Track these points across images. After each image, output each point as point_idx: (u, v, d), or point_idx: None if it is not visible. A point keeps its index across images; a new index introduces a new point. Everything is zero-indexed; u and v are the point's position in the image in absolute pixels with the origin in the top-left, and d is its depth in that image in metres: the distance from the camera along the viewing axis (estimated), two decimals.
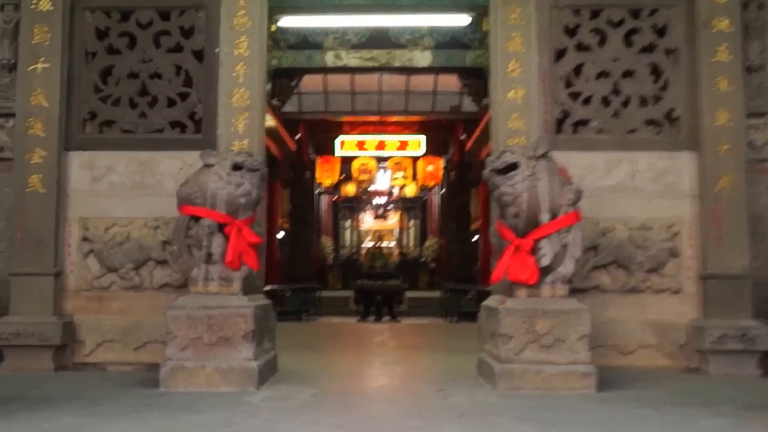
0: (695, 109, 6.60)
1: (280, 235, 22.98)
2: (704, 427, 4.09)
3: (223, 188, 5.49)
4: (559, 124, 6.70)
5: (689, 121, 6.64)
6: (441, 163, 25.86)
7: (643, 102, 6.76)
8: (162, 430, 4.00)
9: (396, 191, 28.64)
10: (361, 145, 24.29)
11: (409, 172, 25.43)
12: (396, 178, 25.55)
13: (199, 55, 6.70)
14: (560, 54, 6.75)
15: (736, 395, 5.15)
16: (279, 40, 14.17)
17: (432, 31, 14.53)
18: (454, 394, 5.20)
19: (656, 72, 6.76)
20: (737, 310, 6.27)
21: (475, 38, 14.60)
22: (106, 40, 6.74)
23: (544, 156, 5.59)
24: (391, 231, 30.76)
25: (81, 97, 6.67)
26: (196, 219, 5.57)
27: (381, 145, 24.36)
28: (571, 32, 6.73)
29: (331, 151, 24.64)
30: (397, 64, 14.72)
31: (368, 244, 28.61)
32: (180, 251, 5.56)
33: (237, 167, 5.54)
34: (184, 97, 6.68)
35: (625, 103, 6.74)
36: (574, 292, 5.68)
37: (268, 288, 16.07)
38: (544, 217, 5.48)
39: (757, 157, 6.64)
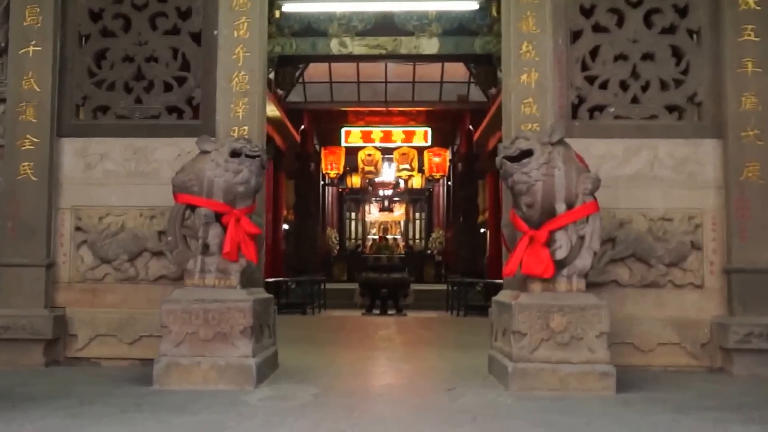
0: (719, 93, 6.27)
1: (285, 226, 22.81)
2: None
3: (221, 176, 5.20)
4: (575, 109, 6.37)
5: (713, 106, 6.31)
6: (447, 154, 25.64)
7: (664, 86, 6.41)
8: None
9: (402, 183, 28.43)
10: (366, 136, 24.12)
11: (415, 164, 25.16)
12: (402, 170, 25.29)
13: (197, 38, 6.40)
14: (576, 35, 6.41)
15: (766, 398, 4.85)
16: (282, 26, 13.90)
17: (439, 17, 14.22)
18: (464, 395, 4.90)
19: (677, 54, 6.41)
20: (764, 306, 5.93)
21: (484, 24, 14.30)
22: (100, 23, 6.43)
23: (560, 142, 5.28)
24: (397, 223, 30.60)
25: (74, 82, 6.37)
26: (193, 208, 5.29)
27: (387, 136, 24.20)
28: (587, 12, 6.39)
29: (337, 142, 24.44)
30: (403, 51, 14.42)
31: (374, 236, 28.44)
32: (175, 242, 5.27)
33: (235, 154, 5.25)
34: (181, 81, 6.38)
35: (645, 88, 6.39)
36: (590, 286, 5.36)
37: (271, 280, 15.93)
38: (560, 207, 5.18)
39: None
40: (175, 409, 4.24)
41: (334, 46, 14.27)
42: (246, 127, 6.10)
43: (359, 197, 30.28)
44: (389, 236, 27.83)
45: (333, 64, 21.07)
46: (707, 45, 6.36)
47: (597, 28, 6.41)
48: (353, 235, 30.25)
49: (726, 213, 6.16)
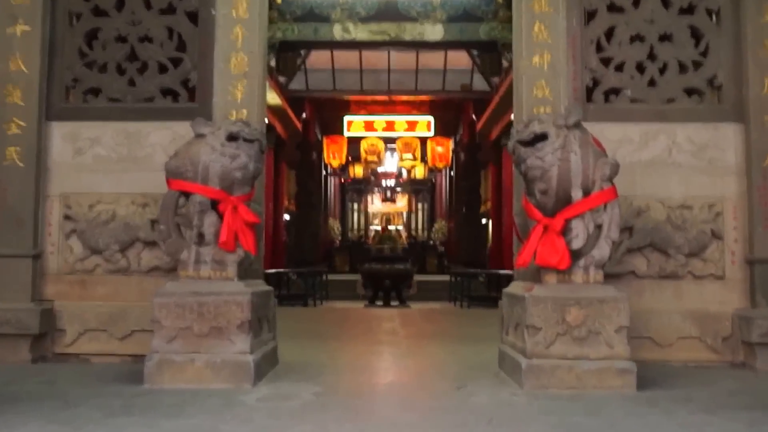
0: (740, 75, 5.99)
1: (286, 217, 22.57)
2: None
3: (217, 161, 4.89)
4: (589, 92, 6.08)
5: (733, 89, 6.03)
6: (450, 144, 25.42)
7: (682, 68, 6.11)
8: None
9: (404, 173, 28.19)
10: (369, 126, 23.87)
11: (418, 154, 24.90)
12: (405, 160, 25.01)
13: (193, 18, 6.09)
14: (590, 15, 6.12)
15: None
16: (284, 11, 13.61)
17: (444, 2, 13.93)
18: (476, 394, 4.60)
19: (696, 35, 6.13)
20: None
21: (489, 10, 14.02)
22: (92, 1, 6.13)
23: (576, 125, 4.97)
24: (400, 214, 30.37)
25: (64, 63, 6.07)
26: (187, 195, 4.98)
27: (389, 126, 23.97)
28: None
29: (339, 131, 24.21)
30: (407, 37, 14.11)
31: (376, 227, 28.21)
32: (168, 231, 4.96)
33: (232, 137, 4.94)
34: (176, 62, 6.07)
35: (662, 70, 6.10)
36: (606, 278, 5.03)
37: (272, 271, 15.69)
38: (577, 193, 4.88)
39: None
40: (167, 411, 3.94)
41: (337, 32, 13.97)
42: (245, 111, 5.81)
43: (362, 187, 30.03)
44: (392, 227, 27.56)
45: (335, 52, 20.79)
46: (727, 25, 6.10)
47: (612, 8, 6.13)
48: (356, 226, 30.02)
49: (748, 201, 5.90)
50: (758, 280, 5.75)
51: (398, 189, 30.28)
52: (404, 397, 4.76)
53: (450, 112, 24.13)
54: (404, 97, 23.04)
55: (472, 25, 14.02)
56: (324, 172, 26.21)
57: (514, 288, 5.51)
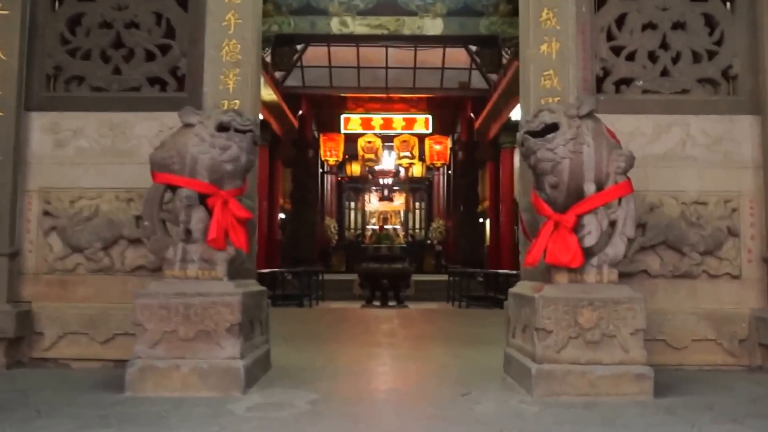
0: (757, 65, 5.70)
1: (282, 216, 22.30)
2: None
3: (206, 152, 4.56)
4: (600, 82, 5.78)
5: (750, 79, 5.74)
6: (448, 142, 25.22)
7: (696, 58, 5.82)
8: None
9: (402, 171, 27.96)
10: (366, 123, 23.68)
11: (416, 152, 24.67)
12: (402, 157, 24.74)
13: (183, 2, 5.79)
14: (601, 2, 5.84)
15: None
16: (280, 4, 13.26)
17: None
18: (482, 401, 4.29)
19: (710, 23, 5.84)
20: None
21: (490, 4, 13.69)
22: None
23: (588, 115, 4.67)
24: (397, 212, 30.18)
25: (45, 50, 5.74)
26: (173, 189, 4.66)
27: (387, 123, 23.79)
28: None
29: (336, 129, 24.00)
30: (406, 32, 13.77)
31: (373, 226, 27.98)
32: (153, 227, 4.64)
33: (223, 128, 4.62)
34: (165, 49, 5.75)
35: (675, 59, 5.81)
36: (618, 277, 4.75)
37: (267, 271, 15.38)
38: (589, 187, 4.57)
39: None
40: (147, 421, 3.62)
41: (335, 26, 13.63)
42: (237, 101, 5.48)
43: (359, 186, 29.84)
44: (389, 226, 27.31)
45: (333, 48, 20.60)
46: (742, 13, 5.83)
47: None
48: (352, 225, 29.80)
49: (765, 196, 5.62)
50: None
51: (396, 187, 30.08)
52: (405, 405, 4.43)
53: (448, 109, 23.95)
54: (402, 95, 22.80)
55: (472, 19, 13.70)
56: (320, 170, 25.98)
57: (522, 288, 5.20)
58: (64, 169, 5.63)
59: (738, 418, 3.79)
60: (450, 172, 26.34)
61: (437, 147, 24.68)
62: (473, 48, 18.88)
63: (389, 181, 29.37)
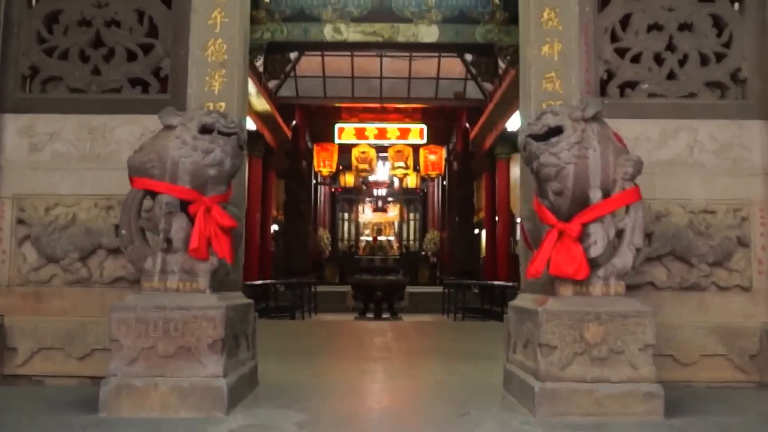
0: (766, 68, 5.49)
1: (275, 227, 22.05)
2: None
3: (188, 156, 4.29)
4: (603, 85, 5.55)
5: (759, 83, 5.52)
6: (443, 152, 25.00)
7: (704, 60, 5.60)
8: None
9: (396, 182, 27.75)
10: (360, 133, 23.45)
11: (411, 162, 24.43)
12: (397, 168, 24.48)
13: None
14: (605, 2, 5.61)
15: None
16: (273, 11, 12.99)
17: (439, 3, 13.37)
18: (482, 422, 4.01)
19: (718, 25, 5.62)
20: None
21: (485, 11, 13.47)
22: None
23: (594, 118, 4.41)
24: (391, 224, 29.92)
25: (20, 49, 5.47)
26: (153, 195, 4.38)
27: (381, 133, 23.57)
28: None
29: (329, 139, 23.76)
30: (401, 39, 13.51)
31: (367, 237, 27.73)
32: (130, 236, 4.34)
33: (206, 130, 4.34)
34: (147, 49, 5.49)
35: (682, 62, 5.59)
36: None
37: (259, 283, 15.09)
38: (595, 194, 4.31)
39: None
40: None
41: (328, 33, 13.36)
42: (223, 104, 5.23)
43: (352, 197, 29.58)
44: (383, 237, 27.04)
45: (327, 58, 20.42)
46: (752, 14, 5.61)
47: None
48: (346, 237, 29.51)
49: None
50: None
51: (390, 198, 29.83)
52: (400, 426, 4.14)
53: (443, 120, 23.76)
54: (396, 105, 22.59)
55: (468, 27, 13.47)
56: (314, 181, 25.72)
57: (523, 301, 4.92)
58: (40, 175, 5.34)
59: None
60: (445, 182, 26.12)
61: (432, 157, 24.44)
62: (469, 57, 18.69)
63: (383, 191, 29.15)
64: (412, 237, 29.72)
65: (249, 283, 14.95)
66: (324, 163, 23.99)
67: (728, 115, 5.53)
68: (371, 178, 26.92)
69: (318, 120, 23.46)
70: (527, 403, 4.31)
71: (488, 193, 21.22)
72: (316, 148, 24.13)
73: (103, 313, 4.73)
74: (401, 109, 23.07)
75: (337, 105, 22.68)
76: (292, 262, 21.01)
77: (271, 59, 15.01)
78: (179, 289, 4.28)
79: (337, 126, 23.35)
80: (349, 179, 27.88)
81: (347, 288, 16.81)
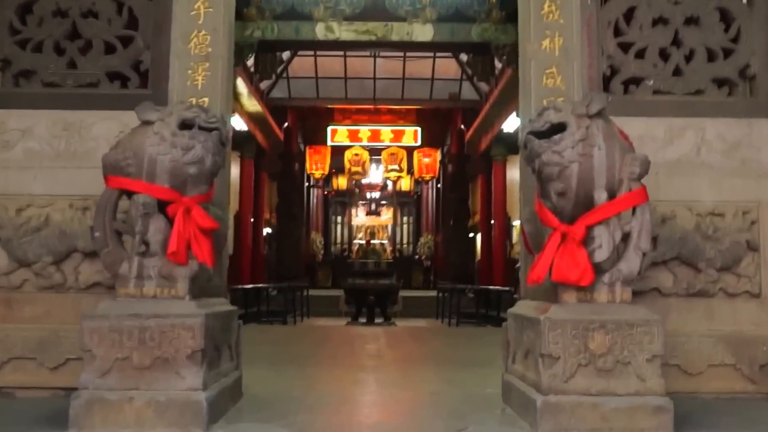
0: None
1: (267, 230, 21.81)
2: None
3: (166, 153, 4.00)
4: (607, 81, 5.30)
5: None
6: (438, 155, 24.78)
7: (711, 56, 5.36)
8: None
9: (390, 185, 27.52)
10: (353, 135, 23.23)
11: (405, 164, 24.20)
12: (390, 170, 24.23)
13: None
14: None
15: None
16: (263, 8, 12.69)
17: (434, 1, 13.11)
18: None
19: (726, 19, 5.39)
20: None
21: (482, 10, 13.16)
22: None
23: (599, 114, 4.15)
24: (384, 227, 29.69)
25: None
26: (129, 194, 4.10)
27: (375, 135, 23.35)
28: None
29: (322, 141, 23.53)
30: (395, 38, 13.16)
31: (360, 240, 27.48)
32: (105, 239, 4.06)
33: (186, 125, 4.06)
34: (126, 41, 5.22)
35: (688, 58, 5.35)
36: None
37: (250, 287, 14.82)
38: (600, 195, 4.05)
39: None
40: None
41: (320, 32, 13.03)
42: (206, 99, 4.97)
43: (345, 200, 29.34)
44: (376, 241, 26.77)
45: (319, 59, 20.17)
46: (761, 7, 5.39)
47: None
48: (339, 240, 29.24)
49: None
50: None
51: (383, 201, 29.59)
52: None
53: (438, 122, 23.54)
54: (390, 106, 22.36)
55: (463, 25, 13.14)
56: (306, 184, 25.48)
57: (524, 308, 4.66)
58: (11, 174, 5.04)
59: None
60: (439, 185, 25.88)
61: (426, 160, 24.20)
62: (464, 58, 18.47)
63: (377, 194, 28.92)
64: (405, 240, 29.47)
65: (240, 287, 14.72)
66: (316, 165, 23.76)
67: (737, 114, 5.30)
68: (364, 180, 26.69)
69: (310, 122, 23.22)
70: (528, 417, 4.05)
71: (484, 196, 21.00)
72: (308, 151, 23.90)
73: (78, 321, 4.45)
74: (395, 111, 22.86)
75: (329, 106, 22.48)
76: (284, 266, 20.77)
77: (261, 58, 14.73)
78: (156, 296, 3.99)
79: (330, 128, 23.12)
80: (342, 182, 27.68)
81: (340, 292, 16.58)
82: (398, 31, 13.08)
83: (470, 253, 22.46)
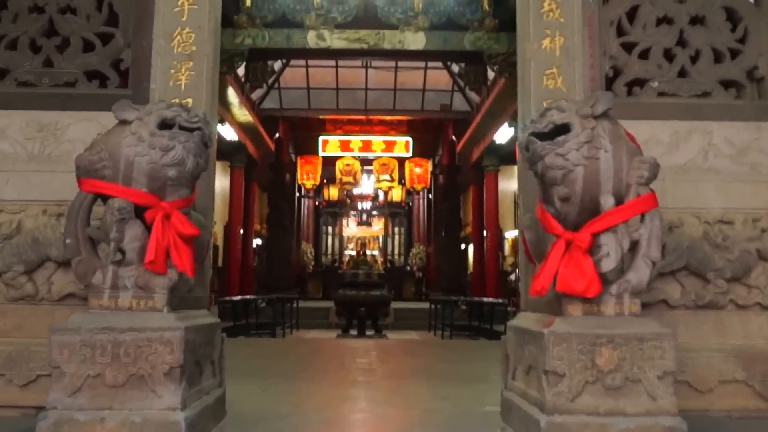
0: None
1: (258, 241, 21.56)
2: None
3: (144, 154, 3.73)
4: (610, 83, 5.07)
5: None
6: (429, 165, 24.60)
7: (718, 57, 5.15)
8: None
9: (381, 195, 27.33)
10: (345, 146, 23.04)
11: (396, 175, 24.01)
12: (382, 180, 24.01)
13: None
14: None
15: None
16: (254, 16, 12.50)
17: (426, 9, 12.92)
18: None
19: (733, 18, 5.18)
20: None
21: (474, 18, 13.03)
22: None
23: (605, 115, 3.91)
24: (376, 238, 29.46)
25: None
26: (104, 199, 3.82)
27: (366, 146, 23.17)
28: None
29: (313, 151, 23.36)
30: (386, 46, 13.03)
31: (351, 251, 27.24)
32: (77, 246, 3.77)
33: (166, 125, 3.80)
34: (106, 39, 4.96)
35: (694, 58, 5.13)
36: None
37: (239, 298, 14.51)
38: (607, 201, 3.80)
39: None
40: None
41: (311, 40, 12.87)
42: (190, 99, 4.70)
43: (336, 211, 29.14)
44: (367, 252, 26.52)
45: (311, 69, 20.02)
46: None
47: None
48: (330, 251, 28.99)
49: None
50: None
51: (374, 212, 29.36)
52: None
53: (429, 132, 23.38)
54: (382, 117, 22.18)
55: (456, 34, 13.03)
56: (297, 194, 25.22)
57: (525, 321, 4.38)
58: None
59: None
60: (431, 196, 25.71)
61: (418, 170, 24.03)
62: (455, 68, 18.32)
63: (368, 205, 28.70)
64: (397, 251, 29.25)
65: (228, 298, 14.41)
66: (308, 175, 23.55)
67: (745, 117, 5.06)
68: (355, 191, 26.48)
69: (302, 132, 23.02)
70: None
71: (475, 207, 20.83)
72: (299, 161, 23.70)
73: None
74: (386, 121, 22.69)
75: (321, 117, 22.30)
76: (274, 277, 20.48)
77: (252, 67, 14.54)
78: (132, 308, 3.70)
79: (321, 138, 22.94)
80: (333, 192, 27.47)
81: (330, 304, 16.31)
82: (390, 39, 12.94)
83: (462, 265, 22.26)
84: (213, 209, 5.02)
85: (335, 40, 12.95)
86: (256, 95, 19.15)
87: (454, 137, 21.79)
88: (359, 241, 28.50)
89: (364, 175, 25.25)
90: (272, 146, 20.83)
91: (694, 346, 4.74)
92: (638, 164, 3.88)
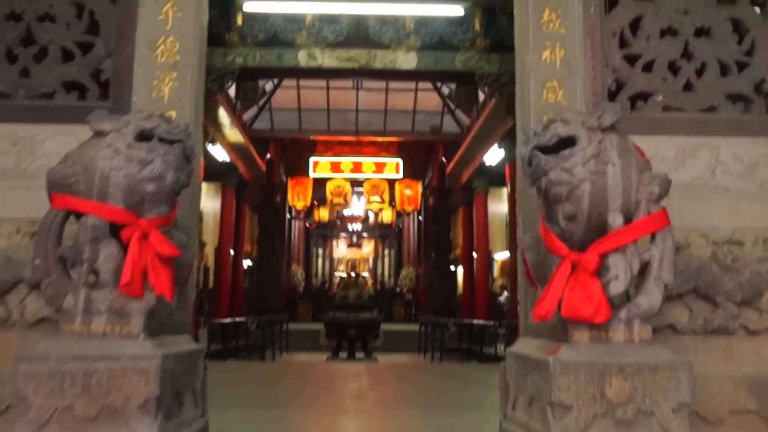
0: None
1: (248, 262, 21.32)
2: None
3: (120, 168, 3.47)
4: (612, 96, 4.85)
5: None
6: (419, 187, 24.50)
7: (724, 70, 4.95)
8: None
9: (371, 216, 27.20)
10: (335, 167, 22.91)
11: (386, 196, 23.87)
12: (372, 202, 23.87)
13: None
14: (612, 2, 4.95)
15: None
16: (245, 35, 12.35)
17: (418, 29, 12.80)
18: None
19: (739, 30, 4.99)
20: None
21: (466, 38, 12.95)
22: None
23: (612, 128, 3.69)
24: (366, 260, 29.28)
25: None
26: (78, 216, 3.55)
27: (357, 167, 23.05)
28: None
29: (304, 173, 23.22)
30: (378, 65, 12.88)
31: (341, 273, 27.03)
32: (47, 267, 3.50)
33: (144, 137, 3.54)
34: (86, 48, 4.70)
35: (700, 71, 4.93)
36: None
37: (228, 320, 14.22)
38: (615, 219, 3.56)
39: None
40: None
41: (303, 58, 12.72)
42: (173, 112, 4.44)
43: (327, 232, 28.97)
44: (358, 273, 26.31)
45: (302, 91, 19.90)
46: None
47: None
48: (320, 272, 28.74)
49: None
50: None
51: (365, 234, 29.20)
52: None
53: (419, 154, 23.31)
54: (372, 138, 22.05)
55: (447, 54, 12.94)
56: (288, 216, 25.01)
57: (526, 347, 4.12)
58: None
59: None
60: (421, 217, 25.57)
61: (408, 192, 23.95)
62: (446, 91, 18.22)
63: (358, 227, 28.54)
64: (387, 273, 29.04)
65: (218, 320, 14.11)
66: (298, 197, 23.40)
67: (753, 132, 4.85)
68: (346, 212, 26.33)
69: (293, 153, 22.88)
70: None
71: (465, 229, 20.69)
72: (290, 182, 23.55)
73: None
74: (377, 143, 22.58)
75: (312, 138, 22.14)
76: (264, 299, 20.22)
77: (243, 86, 14.37)
78: (107, 334, 3.42)
79: (312, 159, 22.79)
80: (323, 214, 27.33)
81: (320, 326, 16.07)
82: (382, 59, 12.80)
83: (452, 286, 22.10)
84: (197, 228, 4.76)
85: (327, 59, 12.80)
86: (247, 116, 18.99)
87: (444, 159, 21.69)
88: (349, 263, 28.32)
89: (355, 197, 25.13)
90: (263, 167, 20.67)
91: (703, 374, 4.45)
92: (648, 180, 3.65)
